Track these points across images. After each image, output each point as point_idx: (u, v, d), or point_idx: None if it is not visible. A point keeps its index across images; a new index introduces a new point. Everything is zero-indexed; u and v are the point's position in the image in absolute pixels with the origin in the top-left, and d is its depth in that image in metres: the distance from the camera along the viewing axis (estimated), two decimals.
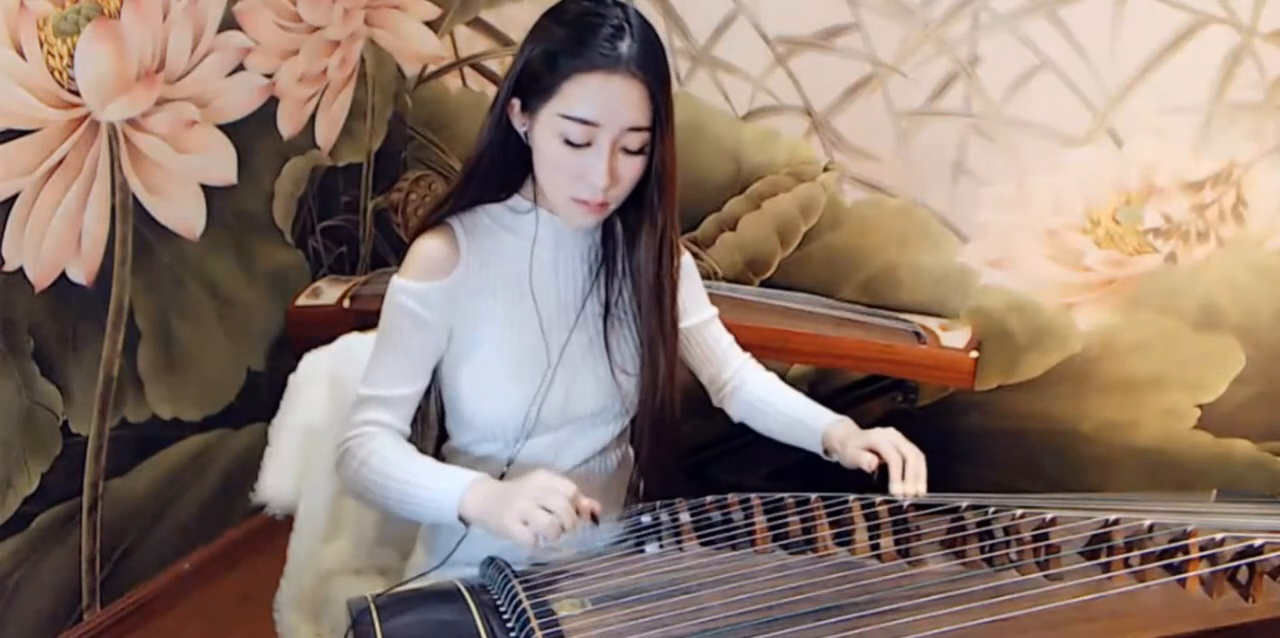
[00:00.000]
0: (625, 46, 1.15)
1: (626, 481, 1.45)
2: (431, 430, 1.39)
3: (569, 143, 1.17)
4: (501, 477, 1.32)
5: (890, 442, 1.29)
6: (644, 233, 1.27)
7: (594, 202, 1.20)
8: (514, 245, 1.29)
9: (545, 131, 1.19)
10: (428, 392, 1.36)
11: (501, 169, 1.26)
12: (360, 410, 1.27)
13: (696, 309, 1.44)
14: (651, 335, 1.31)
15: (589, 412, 1.34)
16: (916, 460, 1.27)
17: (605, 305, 1.32)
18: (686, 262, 1.42)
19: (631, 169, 1.20)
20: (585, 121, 1.16)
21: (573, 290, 1.32)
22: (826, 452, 1.37)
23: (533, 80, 1.18)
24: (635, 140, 1.18)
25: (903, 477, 1.25)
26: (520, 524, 1.09)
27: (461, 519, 1.16)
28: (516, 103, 1.22)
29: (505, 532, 1.10)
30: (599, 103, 1.15)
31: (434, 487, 1.18)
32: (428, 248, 1.27)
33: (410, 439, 1.30)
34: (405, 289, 1.26)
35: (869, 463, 1.27)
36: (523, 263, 1.29)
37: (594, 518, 1.13)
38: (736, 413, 1.49)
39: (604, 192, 1.19)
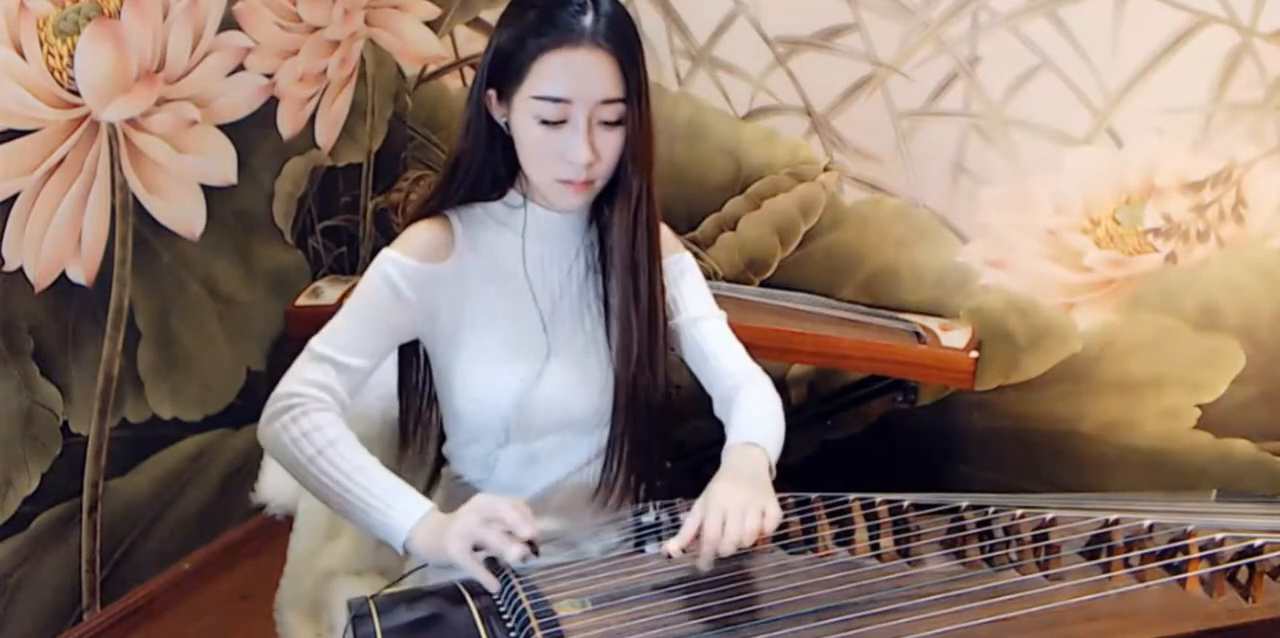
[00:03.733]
0: (588, 20, 1.15)
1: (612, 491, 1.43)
2: (431, 441, 1.39)
3: (545, 123, 1.17)
4: (491, 472, 1.32)
5: (720, 510, 1.09)
6: (619, 204, 1.26)
7: (578, 180, 1.20)
8: (508, 240, 1.29)
9: (522, 116, 1.18)
10: (431, 399, 1.36)
11: (489, 164, 1.26)
12: (310, 368, 1.22)
13: (690, 306, 1.37)
14: (625, 307, 1.28)
15: (581, 412, 1.32)
16: (715, 535, 1.08)
17: (605, 302, 1.31)
18: (686, 260, 1.39)
19: (611, 143, 1.19)
20: (557, 99, 1.16)
21: (565, 284, 1.31)
22: None
23: (503, 67, 1.18)
24: (611, 112, 1.17)
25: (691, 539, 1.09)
26: (469, 554, 1.08)
27: (405, 549, 1.14)
28: (492, 93, 1.22)
29: (446, 554, 1.09)
30: (567, 78, 1.15)
31: (388, 507, 1.14)
32: (425, 231, 1.25)
33: (408, 446, 1.29)
34: (394, 261, 1.23)
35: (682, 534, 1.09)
36: (515, 257, 1.29)
37: (533, 548, 1.09)
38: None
39: (587, 169, 1.19)
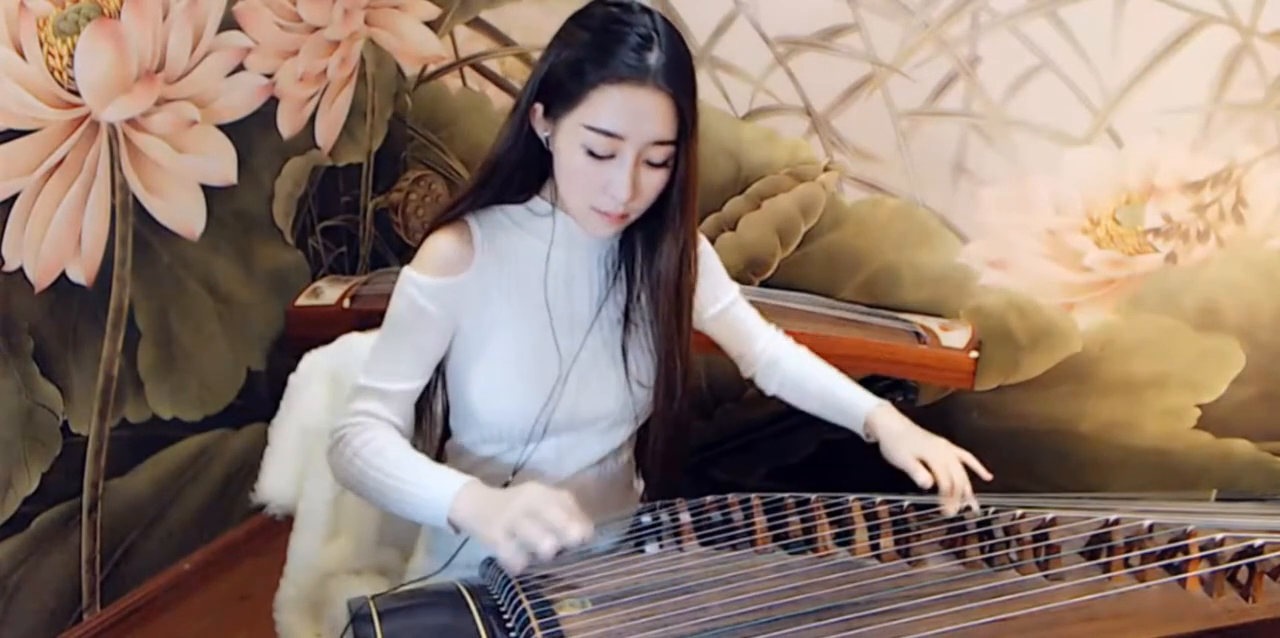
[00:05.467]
0: (653, 58, 1.12)
1: (627, 484, 1.44)
2: (436, 429, 1.39)
3: (592, 154, 1.15)
4: (505, 484, 1.31)
5: (943, 463, 1.29)
6: (666, 244, 1.26)
7: (614, 213, 1.19)
8: (530, 246, 1.28)
9: (568, 140, 1.17)
10: (433, 389, 1.35)
11: (521, 172, 1.25)
12: (357, 400, 1.24)
13: (722, 293, 1.45)
14: (669, 347, 1.30)
15: (598, 418, 1.33)
16: (963, 481, 1.29)
17: (625, 313, 1.31)
18: (705, 248, 1.41)
19: (654, 182, 1.18)
20: (610, 134, 1.14)
21: (588, 295, 1.31)
22: (868, 434, 1.40)
23: (557, 87, 1.16)
24: (659, 153, 1.16)
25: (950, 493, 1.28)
26: (507, 539, 1.05)
27: (451, 524, 1.12)
28: (539, 108, 1.20)
29: (491, 545, 1.07)
30: (624, 115, 1.13)
31: (425, 486, 1.14)
32: (442, 243, 1.25)
33: (414, 437, 1.30)
34: (415, 282, 1.24)
35: (924, 481, 1.28)
36: (538, 265, 1.28)
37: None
38: (769, 389, 1.51)
39: (625, 204, 1.18)
